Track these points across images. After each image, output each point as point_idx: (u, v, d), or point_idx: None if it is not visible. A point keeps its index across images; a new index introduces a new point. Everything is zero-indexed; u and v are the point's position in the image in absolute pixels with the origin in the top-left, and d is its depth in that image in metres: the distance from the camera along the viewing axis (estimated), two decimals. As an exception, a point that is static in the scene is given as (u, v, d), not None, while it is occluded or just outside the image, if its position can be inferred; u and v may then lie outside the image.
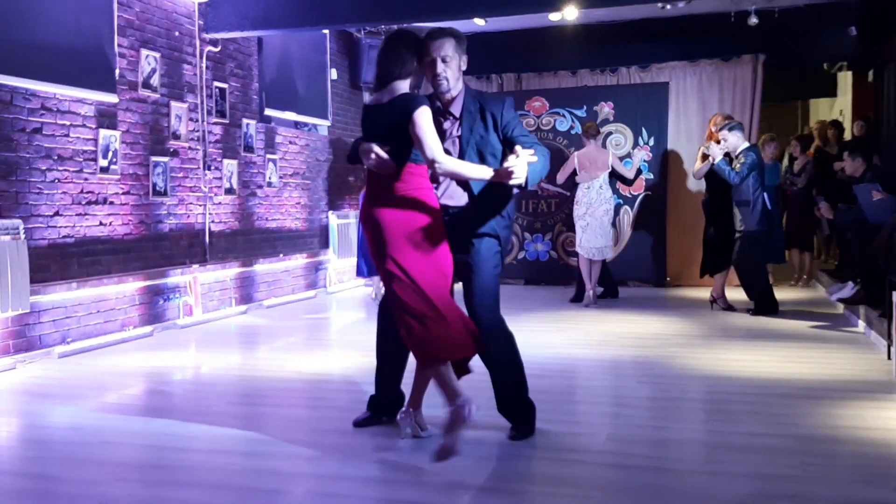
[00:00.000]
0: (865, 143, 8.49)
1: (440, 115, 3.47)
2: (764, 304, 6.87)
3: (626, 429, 3.69)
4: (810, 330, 6.21)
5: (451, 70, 3.41)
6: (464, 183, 3.45)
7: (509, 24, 8.63)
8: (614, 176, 7.66)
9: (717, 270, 7.13)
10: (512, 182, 3.18)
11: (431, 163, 3.24)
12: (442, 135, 3.43)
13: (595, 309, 7.34)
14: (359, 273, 8.07)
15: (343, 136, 9.64)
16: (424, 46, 3.40)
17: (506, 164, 3.17)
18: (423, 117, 3.26)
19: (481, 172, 3.30)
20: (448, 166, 3.25)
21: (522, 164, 3.15)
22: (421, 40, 3.41)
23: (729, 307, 7.07)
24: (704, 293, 7.54)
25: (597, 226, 7.35)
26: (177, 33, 6.86)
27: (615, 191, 9.20)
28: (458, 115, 3.48)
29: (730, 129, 6.84)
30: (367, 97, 10.19)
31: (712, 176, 6.95)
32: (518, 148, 3.21)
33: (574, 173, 7.56)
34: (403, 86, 3.38)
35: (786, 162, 9.35)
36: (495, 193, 3.43)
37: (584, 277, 7.49)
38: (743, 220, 6.80)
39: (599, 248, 7.42)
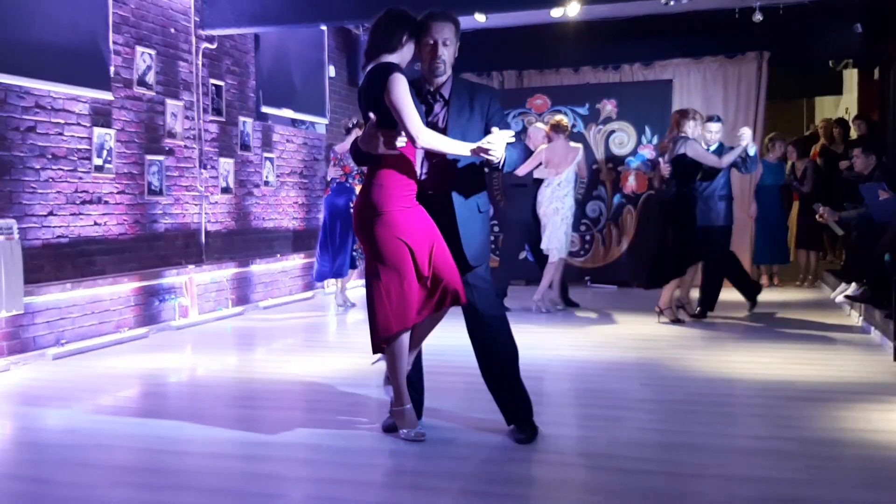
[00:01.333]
0: (872, 142, 8.44)
1: (430, 96, 3.44)
2: (711, 304, 6.75)
3: (628, 432, 3.64)
4: (815, 331, 6.16)
5: (449, 55, 3.38)
6: (443, 172, 3.40)
7: (510, 20, 8.57)
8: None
9: (673, 277, 6.62)
10: (489, 157, 3.21)
11: (413, 137, 3.19)
12: (430, 117, 3.42)
13: (591, 311, 7.27)
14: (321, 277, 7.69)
15: (341, 134, 9.58)
16: (424, 27, 3.35)
17: (485, 140, 3.22)
18: (398, 86, 3.19)
19: (460, 148, 3.27)
20: (430, 140, 3.22)
21: (501, 142, 3.21)
22: (415, 19, 3.35)
23: (677, 320, 6.60)
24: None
25: (546, 224, 7.08)
26: (172, 30, 6.81)
27: (618, 190, 9.17)
28: (447, 97, 3.45)
29: (720, 122, 6.79)
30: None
31: (689, 169, 6.50)
32: (495, 129, 3.26)
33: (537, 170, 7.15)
34: (389, 59, 3.31)
35: (789, 166, 9.29)
36: (471, 183, 3.43)
37: (544, 279, 7.14)
38: (715, 216, 6.64)
39: (551, 249, 7.10)
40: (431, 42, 3.34)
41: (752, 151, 6.49)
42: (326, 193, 7.53)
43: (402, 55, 3.34)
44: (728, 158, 6.49)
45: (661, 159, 6.64)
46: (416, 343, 3.50)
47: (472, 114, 3.43)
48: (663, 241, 6.56)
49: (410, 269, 3.30)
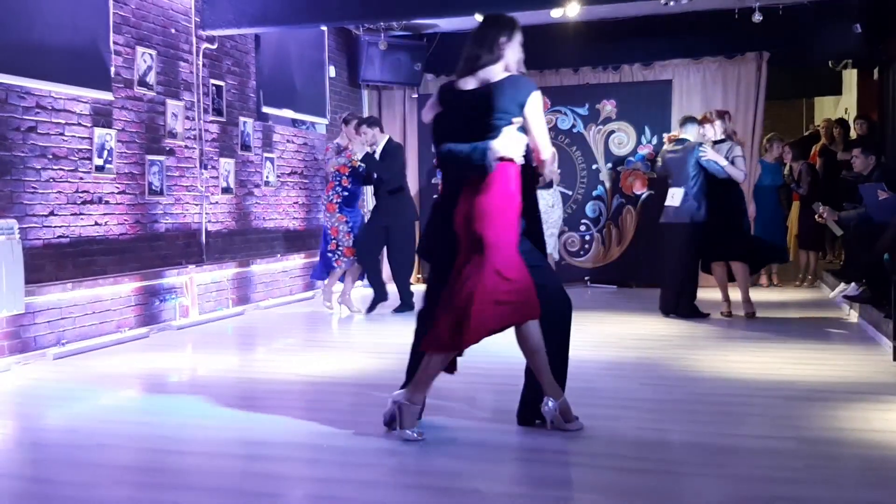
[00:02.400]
0: (872, 142, 8.45)
1: None
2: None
3: (628, 431, 3.64)
4: (814, 331, 6.16)
5: None
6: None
7: (510, 21, 8.57)
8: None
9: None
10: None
11: (542, 149, 3.38)
12: None
13: (591, 310, 7.28)
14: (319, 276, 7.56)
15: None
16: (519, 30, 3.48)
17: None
18: (539, 101, 3.39)
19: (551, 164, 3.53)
20: (549, 155, 3.46)
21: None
22: (512, 20, 3.45)
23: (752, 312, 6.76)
24: (707, 294, 7.39)
25: (546, 227, 7.31)
26: (173, 30, 6.81)
27: (618, 190, 9.19)
28: None
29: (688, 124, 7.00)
30: (365, 95, 10.14)
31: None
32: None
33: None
34: (496, 70, 3.40)
35: (787, 170, 9.30)
36: None
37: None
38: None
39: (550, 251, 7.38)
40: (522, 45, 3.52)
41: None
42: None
43: (507, 62, 3.42)
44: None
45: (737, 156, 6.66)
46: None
47: None
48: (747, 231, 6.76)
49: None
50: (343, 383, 4.62)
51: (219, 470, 3.22)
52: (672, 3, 6.96)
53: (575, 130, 9.24)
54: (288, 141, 8.59)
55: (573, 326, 3.64)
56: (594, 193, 9.25)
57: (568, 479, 3.09)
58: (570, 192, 9.18)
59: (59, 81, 5.59)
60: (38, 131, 5.49)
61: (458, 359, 3.55)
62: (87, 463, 3.31)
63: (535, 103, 3.36)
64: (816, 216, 7.02)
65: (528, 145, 3.40)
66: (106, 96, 6.02)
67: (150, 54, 6.51)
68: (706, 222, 6.61)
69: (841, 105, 12.38)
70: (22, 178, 5.37)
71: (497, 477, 3.12)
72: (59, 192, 5.66)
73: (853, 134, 9.70)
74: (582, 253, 9.27)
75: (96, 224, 5.99)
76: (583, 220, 9.28)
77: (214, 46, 7.25)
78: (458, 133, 3.38)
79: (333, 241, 7.17)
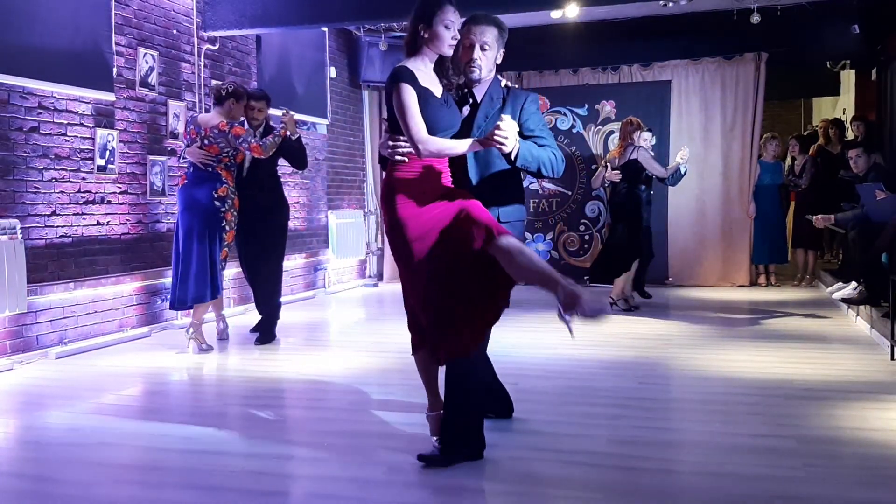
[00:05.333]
0: (869, 142, 8.47)
1: (463, 99, 3.35)
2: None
3: (627, 430, 3.66)
4: (813, 330, 6.18)
5: (488, 60, 3.32)
6: (460, 173, 3.29)
7: (510, 21, 8.46)
8: None
9: (623, 271, 7.21)
10: (499, 147, 3.01)
11: (415, 145, 3.05)
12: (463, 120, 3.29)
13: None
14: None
15: (342, 135, 9.60)
16: (465, 28, 3.25)
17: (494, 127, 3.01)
18: (403, 94, 3.05)
19: (464, 145, 3.10)
20: (433, 146, 3.04)
21: (511, 129, 3.00)
22: (429, 9, 3.12)
23: (634, 307, 7.21)
24: (707, 293, 7.48)
25: None
26: (175, 31, 6.83)
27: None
28: (478, 100, 3.36)
29: (651, 132, 7.44)
30: (366, 96, 10.15)
31: (636, 173, 7.14)
32: (506, 115, 3.06)
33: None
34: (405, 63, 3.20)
35: (789, 161, 9.33)
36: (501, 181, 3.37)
37: None
38: (650, 218, 7.38)
39: None
40: (469, 44, 3.28)
41: (682, 170, 7.17)
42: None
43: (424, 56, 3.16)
44: (667, 171, 7.25)
45: (608, 165, 7.29)
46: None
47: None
48: (612, 239, 7.32)
49: None
50: (344, 382, 4.64)
51: (220, 468, 3.23)
52: (671, 4, 6.99)
53: (574, 131, 9.26)
54: (288, 141, 8.58)
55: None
56: (593, 193, 9.27)
57: (568, 478, 3.10)
58: (570, 193, 9.21)
59: (62, 82, 5.60)
60: (41, 131, 5.50)
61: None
62: (88, 462, 3.32)
63: (397, 89, 3.07)
64: (813, 223, 7.04)
65: None
66: (108, 97, 6.04)
67: (152, 55, 6.53)
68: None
69: (839, 105, 12.40)
70: (24, 178, 5.38)
71: (497, 476, 3.13)
72: (62, 192, 5.68)
73: (850, 134, 9.72)
74: (581, 253, 9.29)
75: (98, 224, 6.01)
76: (582, 220, 9.30)
77: (216, 47, 7.26)
78: None
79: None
